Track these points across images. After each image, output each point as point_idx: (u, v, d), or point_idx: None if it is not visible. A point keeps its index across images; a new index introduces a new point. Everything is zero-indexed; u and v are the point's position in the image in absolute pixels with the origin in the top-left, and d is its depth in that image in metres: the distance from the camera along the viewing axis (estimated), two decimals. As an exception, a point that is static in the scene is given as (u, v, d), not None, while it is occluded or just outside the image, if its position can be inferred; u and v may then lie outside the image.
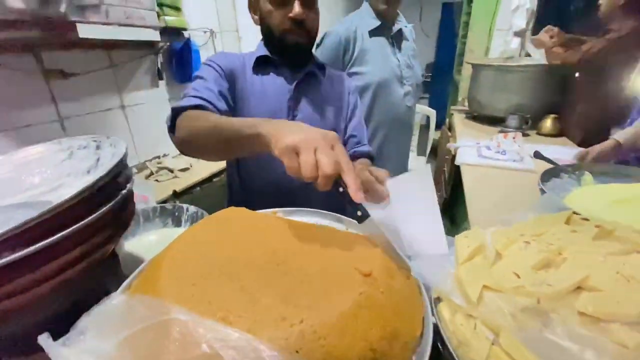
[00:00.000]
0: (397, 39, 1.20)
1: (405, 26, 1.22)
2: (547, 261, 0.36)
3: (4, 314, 0.42)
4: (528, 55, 1.87)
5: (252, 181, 0.87)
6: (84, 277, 0.47)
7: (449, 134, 2.27)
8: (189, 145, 0.65)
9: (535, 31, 1.72)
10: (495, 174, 1.17)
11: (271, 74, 0.82)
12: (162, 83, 1.48)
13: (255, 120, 0.48)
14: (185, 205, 0.85)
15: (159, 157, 1.49)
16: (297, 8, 0.71)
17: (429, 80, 4.40)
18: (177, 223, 0.84)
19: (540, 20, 1.95)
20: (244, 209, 0.48)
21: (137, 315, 0.32)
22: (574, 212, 0.48)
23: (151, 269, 0.38)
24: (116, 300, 0.36)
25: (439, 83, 4.15)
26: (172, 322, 0.29)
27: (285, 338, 0.27)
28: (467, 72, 2.19)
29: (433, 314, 0.36)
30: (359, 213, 0.40)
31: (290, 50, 0.78)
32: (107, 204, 0.49)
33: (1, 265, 0.37)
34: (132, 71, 1.35)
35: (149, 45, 1.33)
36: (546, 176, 0.68)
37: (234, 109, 0.77)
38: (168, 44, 1.43)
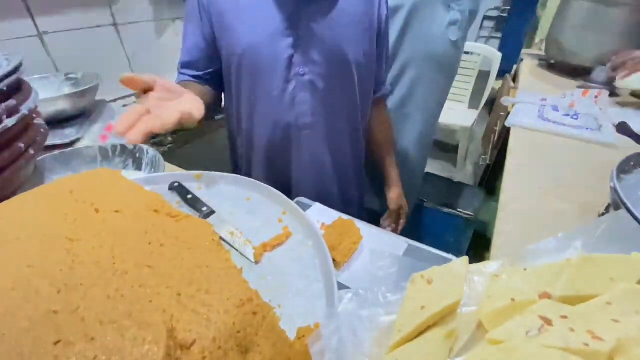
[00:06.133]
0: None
1: None
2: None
3: None
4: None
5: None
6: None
7: (512, 84, 1.84)
8: None
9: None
10: (557, 145, 0.87)
11: None
12: (164, -2, 1.28)
13: None
14: (145, 147, 0.74)
15: (161, 86, 1.36)
16: None
17: (505, 15, 3.61)
18: (138, 166, 0.73)
19: None
20: (117, 174, 0.33)
21: None
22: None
23: None
24: None
25: (517, 20, 3.38)
26: None
27: None
28: (554, 5, 1.67)
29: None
30: None
31: None
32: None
33: None
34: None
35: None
36: (630, 165, 0.42)
37: (227, 34, 0.62)
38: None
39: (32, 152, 0.48)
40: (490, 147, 1.63)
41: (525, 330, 0.19)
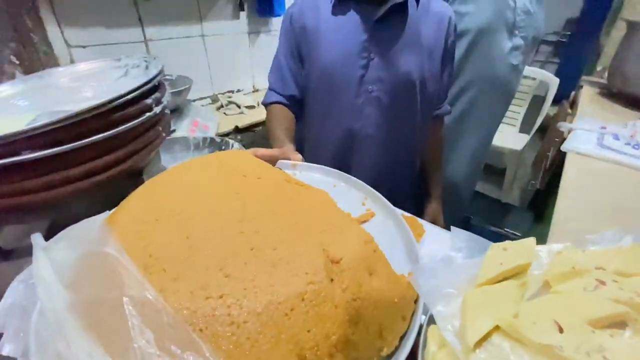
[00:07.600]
0: (521, -26, 0.90)
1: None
2: (621, 319, 0.23)
3: (34, 204, 0.46)
4: None
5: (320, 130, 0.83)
6: (104, 188, 0.49)
7: (569, 111, 1.80)
8: None
9: None
10: (616, 173, 0.87)
11: (351, 10, 0.71)
12: (242, 15, 1.45)
13: (278, 139, 0.72)
14: (231, 141, 0.87)
15: (232, 91, 1.52)
16: None
17: (564, 40, 3.48)
18: (222, 157, 0.86)
19: None
20: (249, 154, 0.43)
21: (90, 239, 0.31)
22: None
23: (132, 194, 0.36)
24: (96, 219, 0.36)
25: (577, 46, 3.26)
26: (103, 255, 0.27)
27: (193, 310, 0.22)
28: (619, 33, 1.63)
29: (420, 335, 0.27)
30: None
31: None
32: (126, 123, 0.49)
33: (24, 161, 0.40)
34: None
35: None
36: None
37: (310, 54, 0.74)
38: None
39: (164, 134, 0.61)
40: (542, 172, 1.60)
41: (583, 287, 0.25)
